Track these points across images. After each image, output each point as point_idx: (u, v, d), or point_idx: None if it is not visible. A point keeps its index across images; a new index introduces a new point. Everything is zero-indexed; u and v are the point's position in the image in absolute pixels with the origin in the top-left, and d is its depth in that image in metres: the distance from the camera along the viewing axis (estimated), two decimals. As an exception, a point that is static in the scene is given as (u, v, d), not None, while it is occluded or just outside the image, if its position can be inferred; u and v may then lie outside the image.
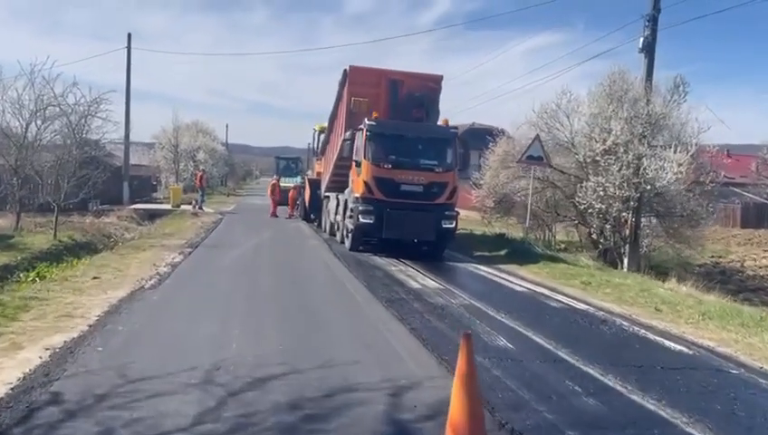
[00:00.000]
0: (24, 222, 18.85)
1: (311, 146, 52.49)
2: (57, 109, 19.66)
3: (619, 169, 17.05)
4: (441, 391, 5.64)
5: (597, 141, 17.38)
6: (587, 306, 10.69)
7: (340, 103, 18.93)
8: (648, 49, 18.30)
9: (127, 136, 31.69)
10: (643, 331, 8.99)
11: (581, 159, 18.04)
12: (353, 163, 16.58)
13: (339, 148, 18.92)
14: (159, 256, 14.57)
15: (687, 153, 16.94)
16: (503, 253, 17.92)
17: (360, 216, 15.59)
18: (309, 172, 41.82)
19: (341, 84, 18.45)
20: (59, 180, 17.24)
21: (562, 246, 22.41)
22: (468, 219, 23.52)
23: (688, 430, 5.21)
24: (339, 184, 20.08)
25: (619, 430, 5.23)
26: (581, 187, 18.40)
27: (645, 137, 17.61)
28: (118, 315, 8.39)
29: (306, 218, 26.47)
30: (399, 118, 16.69)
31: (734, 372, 7.12)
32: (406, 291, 11.19)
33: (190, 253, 15.26)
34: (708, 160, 19.28)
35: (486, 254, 18.00)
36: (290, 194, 29.98)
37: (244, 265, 13.86)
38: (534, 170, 19.49)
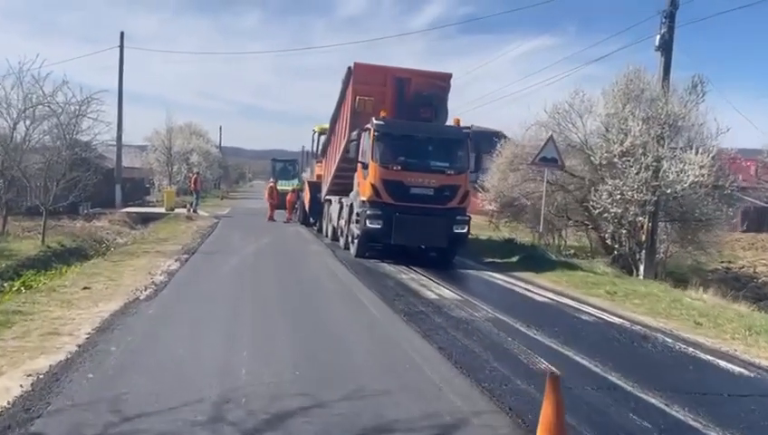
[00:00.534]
0: (11, 226, 17.93)
1: (304, 149, 51.72)
2: (47, 108, 18.76)
3: (638, 172, 16.24)
4: (494, 433, 4.80)
5: (614, 142, 16.57)
6: (621, 320, 9.86)
7: (343, 102, 18.07)
8: (665, 47, 17.58)
9: (119, 137, 30.69)
10: (691, 349, 8.16)
11: (597, 161, 17.21)
12: (359, 165, 15.72)
13: (342, 149, 18.08)
14: (154, 263, 13.68)
15: (709, 155, 16.16)
16: (514, 259, 17.10)
17: (366, 220, 14.73)
18: (305, 174, 41.20)
19: (345, 83, 17.59)
20: (47, 183, 16.30)
21: (572, 251, 21.59)
22: (474, 223, 22.63)
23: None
24: (341, 187, 19.24)
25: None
26: (596, 190, 17.60)
27: (663, 138, 16.83)
28: (110, 333, 7.50)
29: (305, 223, 25.60)
30: (406, 118, 15.88)
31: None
32: (423, 302, 10.33)
33: (187, 260, 14.36)
34: (726, 163, 18.51)
35: (497, 260, 17.18)
36: (288, 197, 29.08)
37: (246, 273, 12.97)
38: (551, 173, 18.69)
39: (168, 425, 4.71)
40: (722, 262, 27.31)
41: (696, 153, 16.13)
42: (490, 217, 22.43)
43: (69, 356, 6.51)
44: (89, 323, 8.04)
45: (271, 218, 27.66)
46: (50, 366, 6.12)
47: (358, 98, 16.65)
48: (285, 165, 40.20)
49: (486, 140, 23.04)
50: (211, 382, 5.69)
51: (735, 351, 8.16)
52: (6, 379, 5.77)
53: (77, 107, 21.13)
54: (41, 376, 5.82)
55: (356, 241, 15.52)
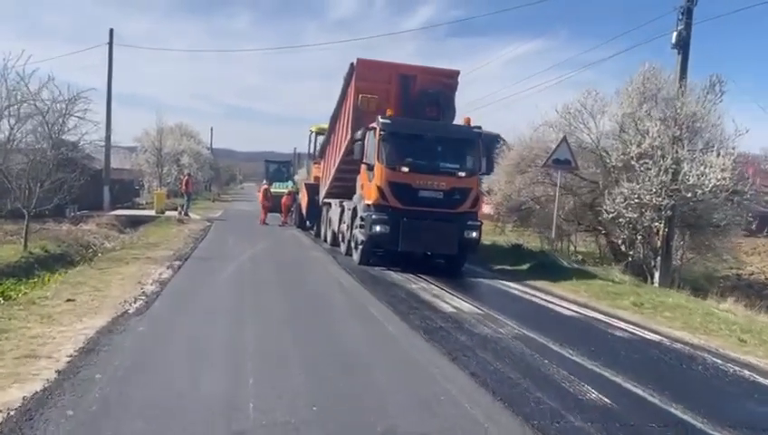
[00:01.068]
0: (-8, 230, 16.91)
1: (297, 150, 50.90)
2: (32, 107, 17.79)
3: (656, 175, 15.44)
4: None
5: (631, 144, 15.75)
6: (658, 336, 9.01)
7: (344, 100, 17.16)
8: (683, 45, 16.82)
9: (108, 137, 29.57)
10: (747, 372, 7.32)
11: (612, 163, 16.40)
12: (363, 166, 14.81)
13: (343, 149, 17.20)
14: (145, 270, 12.72)
15: (730, 158, 15.39)
16: (525, 267, 16.24)
17: (372, 225, 13.82)
18: (297, 176, 40.15)
19: (347, 80, 16.68)
20: (30, 184, 15.28)
21: (580, 257, 20.78)
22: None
23: None
24: (342, 190, 18.37)
25: None
26: (609, 193, 16.80)
27: (681, 139, 16.04)
28: (95, 356, 6.55)
29: (302, 226, 24.65)
30: (411, 117, 15.02)
31: None
32: (441, 317, 9.43)
33: (180, 267, 13.40)
34: (745, 167, 17.77)
35: (507, 267, 16.31)
36: (283, 200, 28.10)
37: (244, 282, 12.02)
38: (563, 176, 17.92)
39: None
40: (730, 268, 26.63)
41: (717, 156, 15.36)
42: (496, 222, 21.59)
43: (46, 386, 5.58)
44: (71, 342, 7.10)
45: (264, 222, 26.72)
46: (23, 399, 5.19)
47: (361, 96, 15.77)
48: (279, 167, 39.14)
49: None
50: (214, 423, 4.78)
51: (796, 374, 7.31)
52: (-31, 416, 4.85)
53: (64, 105, 20.15)
54: (11, 413, 4.90)
55: (360, 247, 14.60)
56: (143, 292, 10.34)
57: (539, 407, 5.55)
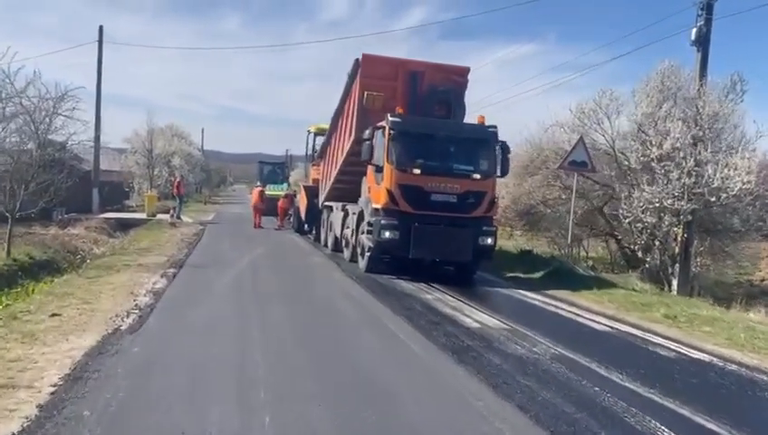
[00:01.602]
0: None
1: (289, 152, 49.95)
2: (18, 105, 16.80)
3: (679, 178, 14.66)
4: None
5: (652, 145, 14.96)
6: (707, 356, 8.18)
7: (348, 98, 16.27)
8: (702, 41, 16.08)
9: (97, 137, 28.53)
10: (821, 400, 6.49)
11: (633, 165, 15.60)
12: (370, 168, 13.93)
13: (346, 150, 16.33)
14: (137, 279, 11.80)
15: (755, 160, 14.65)
16: (539, 274, 15.40)
17: (381, 231, 12.93)
18: (290, 178, 39.23)
19: (351, 76, 15.80)
20: (14, 186, 14.31)
21: (590, 263, 19.99)
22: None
23: None
24: (344, 192, 17.49)
25: None
26: (627, 197, 16.03)
27: (703, 141, 15.28)
28: (83, 386, 5.66)
29: (299, 230, 23.72)
30: (420, 116, 14.15)
31: None
32: (465, 333, 8.57)
33: (174, 275, 12.49)
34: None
35: (521, 275, 15.45)
36: (280, 203, 27.18)
37: (245, 293, 11.10)
38: (577, 179, 17.17)
39: None
40: (738, 273, 25.93)
41: (742, 158, 14.60)
42: (502, 226, 20.77)
43: (25, 426, 4.70)
44: (56, 367, 6.21)
45: (258, 226, 25.78)
46: (-5, 445, 4.29)
47: (366, 93, 14.88)
48: (274, 168, 38.05)
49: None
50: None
51: None
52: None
53: (51, 104, 19.20)
54: (-21, 466, 3.99)
55: (367, 254, 13.69)
56: (136, 304, 9.45)
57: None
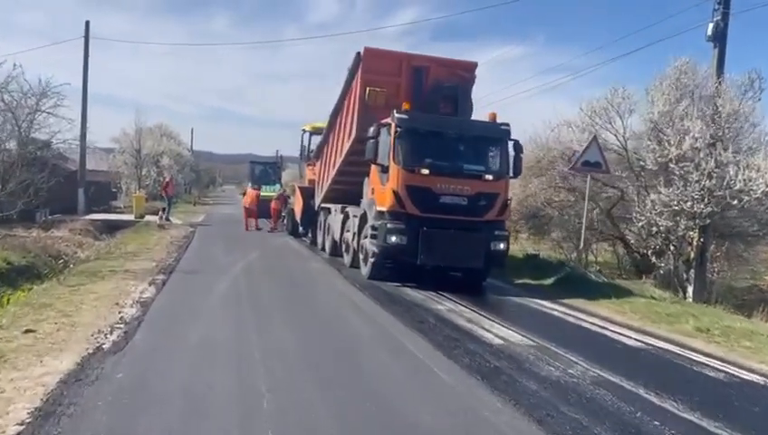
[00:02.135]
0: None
1: (279, 153, 48.85)
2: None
3: (698, 180, 13.89)
4: None
5: (670, 145, 14.17)
6: (760, 377, 7.38)
7: (348, 95, 15.38)
8: (719, 37, 15.33)
9: (83, 135, 27.41)
10: None
11: (648, 166, 14.81)
12: (374, 168, 13.05)
13: (345, 149, 15.47)
14: (123, 287, 10.87)
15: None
16: (550, 281, 14.57)
17: (387, 236, 12.04)
18: (282, 179, 38.22)
19: (352, 72, 14.91)
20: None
21: (597, 267, 19.20)
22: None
23: None
24: (342, 193, 16.63)
25: None
26: (641, 200, 15.27)
27: (722, 140, 14.52)
28: (56, 424, 4.79)
29: (294, 233, 22.79)
30: (424, 113, 13.29)
31: None
32: (489, 351, 7.71)
33: (164, 282, 11.57)
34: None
35: (530, 282, 14.62)
36: (272, 205, 26.22)
37: (242, 303, 10.18)
38: (582, 181, 16.41)
39: None
40: (746, 279, 25.24)
41: (765, 158, 13.85)
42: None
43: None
44: (25, 398, 5.33)
45: (256, 228, 24.85)
46: None
47: (368, 89, 14.02)
48: (265, 168, 36.95)
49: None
50: None
51: None
52: None
53: (34, 100, 18.31)
54: None
55: (371, 260, 12.79)
56: (121, 317, 8.54)
57: None
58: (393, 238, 11.97)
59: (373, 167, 13.12)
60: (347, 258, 15.05)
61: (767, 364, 7.96)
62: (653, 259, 16.13)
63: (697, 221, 14.69)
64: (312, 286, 12.32)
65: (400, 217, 12.07)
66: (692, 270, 15.77)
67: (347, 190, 16.31)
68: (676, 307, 11.79)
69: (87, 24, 29.08)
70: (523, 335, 8.70)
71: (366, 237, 13.04)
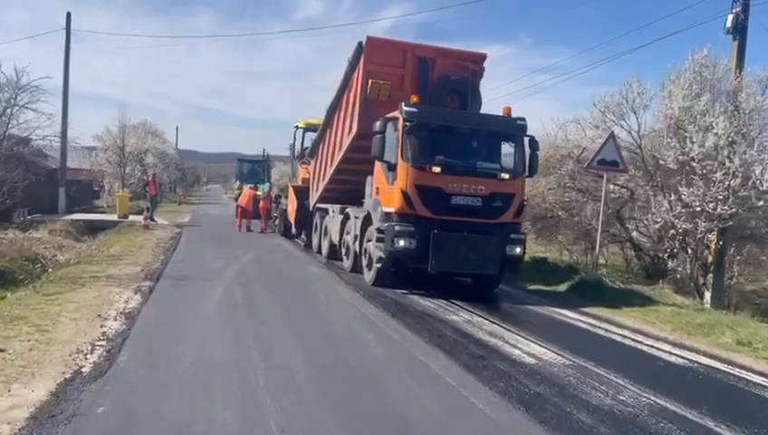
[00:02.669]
0: None
1: (266, 152, 47.67)
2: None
3: (722, 179, 13.08)
4: None
5: (693, 142, 13.34)
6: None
7: (349, 88, 14.42)
8: (740, 29, 14.56)
9: (64, 132, 26.20)
10: None
11: (669, 165, 13.98)
12: (379, 166, 12.11)
13: (345, 146, 14.55)
14: (106, 296, 9.88)
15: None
16: (564, 287, 13.70)
17: (394, 239, 11.09)
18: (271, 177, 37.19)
19: (352, 63, 13.96)
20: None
21: (603, 271, 18.38)
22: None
23: None
24: (340, 193, 15.74)
25: None
26: (658, 200, 14.45)
27: (745, 137, 13.73)
28: (20, 482, 3.80)
29: (286, 234, 21.78)
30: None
31: None
32: (524, 372, 6.79)
33: (151, 290, 10.57)
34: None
35: (543, 287, 13.75)
36: (261, 204, 25.20)
37: (239, 315, 9.17)
38: (591, 181, 15.60)
39: None
40: (750, 282, 24.59)
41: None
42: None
43: None
44: (-15, 442, 4.34)
45: (248, 229, 23.83)
46: None
47: (371, 81, 13.09)
48: (254, 166, 35.84)
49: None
50: None
51: None
52: None
53: (11, 94, 17.23)
54: None
55: (376, 266, 11.81)
56: (104, 333, 7.57)
57: None
58: (401, 242, 11.03)
59: (377, 164, 12.19)
60: (347, 263, 14.10)
61: (831, 386, 7.11)
62: (669, 263, 15.31)
63: (716, 223, 13.90)
64: (314, 295, 11.32)
65: (409, 219, 11.13)
66: (709, 274, 14.99)
67: (346, 190, 15.39)
68: (705, 316, 10.95)
69: (68, 15, 27.98)
70: (554, 352, 7.80)
71: (370, 241, 12.08)
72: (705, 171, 13.21)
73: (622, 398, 6.10)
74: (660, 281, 14.96)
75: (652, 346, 8.68)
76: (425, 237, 10.94)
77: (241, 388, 5.74)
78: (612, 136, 13.60)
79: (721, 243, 14.56)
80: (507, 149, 11.89)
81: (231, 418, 5.00)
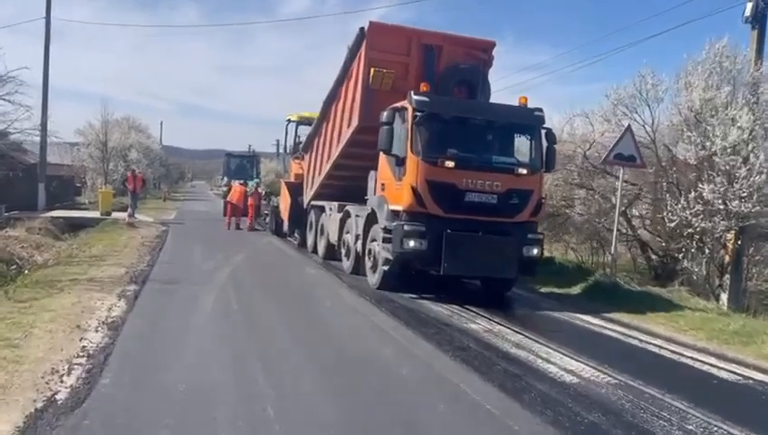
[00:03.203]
0: None
1: (251, 148, 46.60)
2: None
3: (746, 176, 12.33)
4: None
5: (716, 136, 12.57)
6: None
7: (348, 78, 13.50)
8: (759, 18, 13.82)
9: (44, 125, 24.99)
10: None
11: (690, 161, 13.21)
12: (384, 160, 11.21)
13: (344, 140, 13.69)
14: (87, 302, 8.93)
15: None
16: (578, 290, 12.90)
17: (404, 239, 10.18)
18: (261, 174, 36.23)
19: (353, 51, 13.06)
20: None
21: (607, 271, 17.62)
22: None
23: None
24: (338, 190, 14.90)
25: None
26: (673, 198, 13.69)
27: (767, 131, 13.01)
28: None
29: (277, 232, 20.82)
30: None
31: None
32: (568, 394, 5.94)
33: (136, 295, 9.62)
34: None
35: (556, 290, 12.92)
36: (249, 201, 24.17)
37: (237, 327, 8.24)
38: (598, 177, 14.82)
39: None
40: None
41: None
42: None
43: None
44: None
45: (237, 227, 22.83)
46: None
47: (373, 70, 12.18)
48: (242, 162, 34.73)
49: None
50: None
51: None
52: None
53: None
54: None
55: (383, 268, 10.87)
56: (84, 348, 6.64)
57: None
58: (411, 243, 10.13)
59: (382, 158, 11.29)
60: (347, 264, 13.19)
61: None
62: (684, 263, 14.55)
63: (734, 222, 13.16)
64: (316, 301, 10.37)
65: (419, 217, 10.24)
66: (726, 275, 14.25)
67: (344, 186, 14.51)
68: (737, 322, 10.13)
69: (48, 2, 26.62)
70: (593, 368, 6.95)
71: (376, 241, 11.17)
72: (727, 167, 12.43)
73: (690, 427, 5.27)
74: (673, 282, 14.19)
75: (695, 359, 7.87)
76: (436, 238, 10.05)
77: (250, 424, 4.81)
78: (630, 129, 12.78)
79: (739, 242, 13.81)
80: (523, 142, 11.02)
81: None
